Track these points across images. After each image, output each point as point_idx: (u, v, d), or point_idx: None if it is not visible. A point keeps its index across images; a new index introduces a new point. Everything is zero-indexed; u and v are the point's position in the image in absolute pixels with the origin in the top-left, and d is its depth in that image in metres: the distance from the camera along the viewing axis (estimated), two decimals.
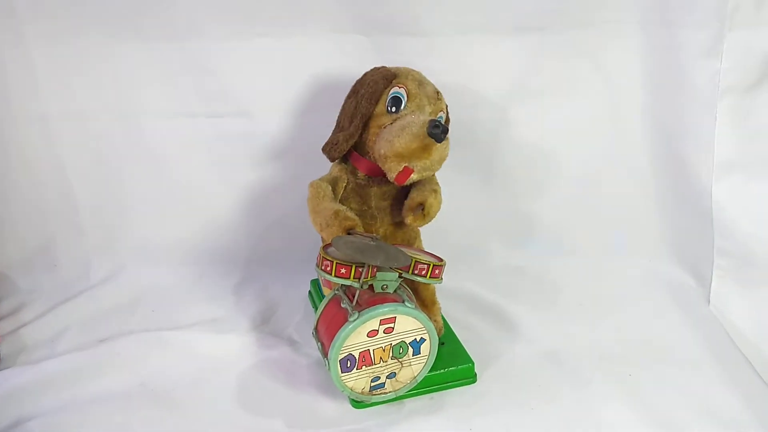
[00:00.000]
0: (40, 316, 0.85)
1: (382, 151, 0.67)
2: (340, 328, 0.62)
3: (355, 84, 0.75)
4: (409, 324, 0.64)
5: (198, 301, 0.89)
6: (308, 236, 0.87)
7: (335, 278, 0.62)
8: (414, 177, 0.66)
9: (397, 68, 0.73)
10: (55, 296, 0.89)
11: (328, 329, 0.65)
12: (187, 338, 0.80)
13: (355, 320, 0.61)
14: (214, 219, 0.95)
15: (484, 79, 0.89)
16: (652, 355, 0.77)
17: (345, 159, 0.75)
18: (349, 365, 0.63)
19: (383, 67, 0.74)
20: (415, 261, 0.65)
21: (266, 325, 0.84)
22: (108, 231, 0.95)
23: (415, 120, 0.66)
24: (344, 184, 0.74)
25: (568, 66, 0.88)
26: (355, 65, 0.77)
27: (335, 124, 0.75)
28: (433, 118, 0.68)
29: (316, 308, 0.85)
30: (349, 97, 0.74)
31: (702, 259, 0.89)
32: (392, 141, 0.66)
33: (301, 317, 0.86)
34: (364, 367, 0.64)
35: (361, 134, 0.71)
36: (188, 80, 0.86)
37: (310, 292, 0.89)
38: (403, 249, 0.67)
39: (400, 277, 0.65)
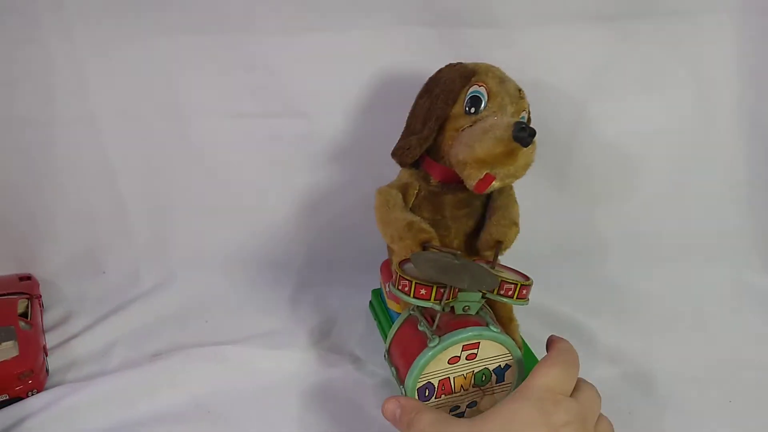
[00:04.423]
0: (89, 327, 0.81)
1: (461, 157, 0.60)
2: (417, 353, 0.56)
3: (429, 82, 0.68)
4: (493, 350, 0.58)
5: (253, 311, 0.84)
6: (368, 243, 0.81)
7: (414, 299, 0.56)
8: (495, 185, 0.60)
9: (476, 64, 0.67)
10: (104, 305, 0.85)
11: (403, 354, 0.59)
12: (243, 354, 0.74)
13: (435, 346, 0.55)
14: (269, 224, 0.90)
15: (562, 73, 0.82)
16: (752, 377, 0.70)
17: (416, 164, 0.69)
18: (427, 394, 0.57)
19: (459, 63, 0.68)
20: (501, 281, 0.59)
21: (326, 339, 0.79)
22: (158, 235, 0.91)
23: (498, 122, 0.59)
24: (415, 192, 0.68)
25: (655, 58, 0.81)
26: (421, 60, 0.71)
27: (405, 126, 0.69)
28: (518, 119, 0.61)
29: (378, 320, 0.79)
30: (421, 96, 0.68)
31: None
32: (473, 146, 0.59)
33: (363, 331, 0.80)
34: (443, 396, 0.58)
35: (435, 137, 0.65)
36: (242, 78, 0.81)
37: (371, 302, 0.83)
38: (487, 267, 0.61)
39: (483, 297, 0.59)
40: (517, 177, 0.61)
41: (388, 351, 0.62)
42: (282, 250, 0.91)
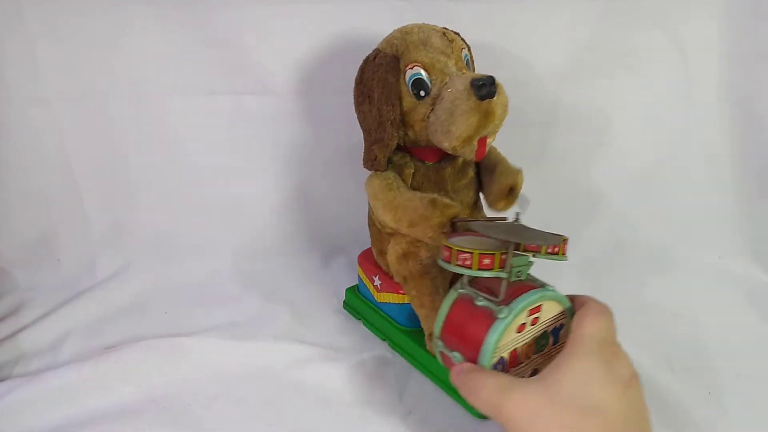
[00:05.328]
0: (41, 318, 0.77)
1: (446, 144, 0.57)
2: (483, 330, 0.52)
3: (361, 86, 0.63)
4: (552, 310, 0.55)
5: (216, 302, 0.80)
6: (339, 228, 0.79)
7: (478, 271, 0.52)
8: (491, 141, 0.59)
9: (390, 42, 0.62)
10: (58, 294, 0.81)
11: (464, 335, 0.54)
12: (204, 346, 0.70)
13: (506, 317, 0.51)
14: (235, 210, 0.87)
15: (540, 50, 0.79)
16: (732, 368, 0.68)
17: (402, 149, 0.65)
18: (500, 371, 0.54)
19: (376, 53, 0.63)
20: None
21: (294, 330, 0.74)
22: (116, 222, 0.87)
23: (456, 95, 0.55)
24: (411, 171, 0.64)
25: (637, 36, 0.79)
26: None
27: (363, 132, 0.65)
28: (472, 77, 0.56)
29: (361, 317, 0.76)
30: (361, 103, 0.64)
31: None
32: (450, 130, 0.56)
33: (334, 321, 0.76)
34: (512, 369, 0.54)
35: (406, 133, 0.62)
36: (205, 53, 0.78)
37: (345, 302, 0.79)
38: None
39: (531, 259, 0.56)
40: (503, 119, 0.58)
41: (440, 338, 0.58)
42: (248, 237, 0.88)
